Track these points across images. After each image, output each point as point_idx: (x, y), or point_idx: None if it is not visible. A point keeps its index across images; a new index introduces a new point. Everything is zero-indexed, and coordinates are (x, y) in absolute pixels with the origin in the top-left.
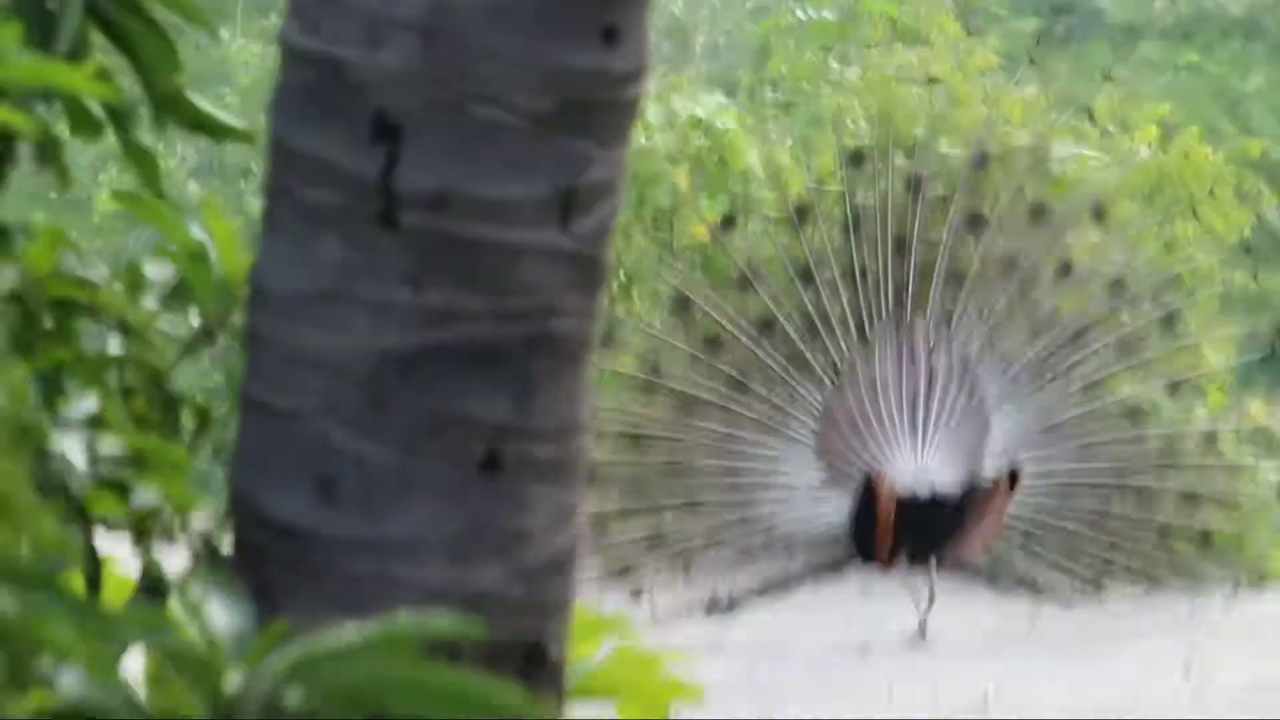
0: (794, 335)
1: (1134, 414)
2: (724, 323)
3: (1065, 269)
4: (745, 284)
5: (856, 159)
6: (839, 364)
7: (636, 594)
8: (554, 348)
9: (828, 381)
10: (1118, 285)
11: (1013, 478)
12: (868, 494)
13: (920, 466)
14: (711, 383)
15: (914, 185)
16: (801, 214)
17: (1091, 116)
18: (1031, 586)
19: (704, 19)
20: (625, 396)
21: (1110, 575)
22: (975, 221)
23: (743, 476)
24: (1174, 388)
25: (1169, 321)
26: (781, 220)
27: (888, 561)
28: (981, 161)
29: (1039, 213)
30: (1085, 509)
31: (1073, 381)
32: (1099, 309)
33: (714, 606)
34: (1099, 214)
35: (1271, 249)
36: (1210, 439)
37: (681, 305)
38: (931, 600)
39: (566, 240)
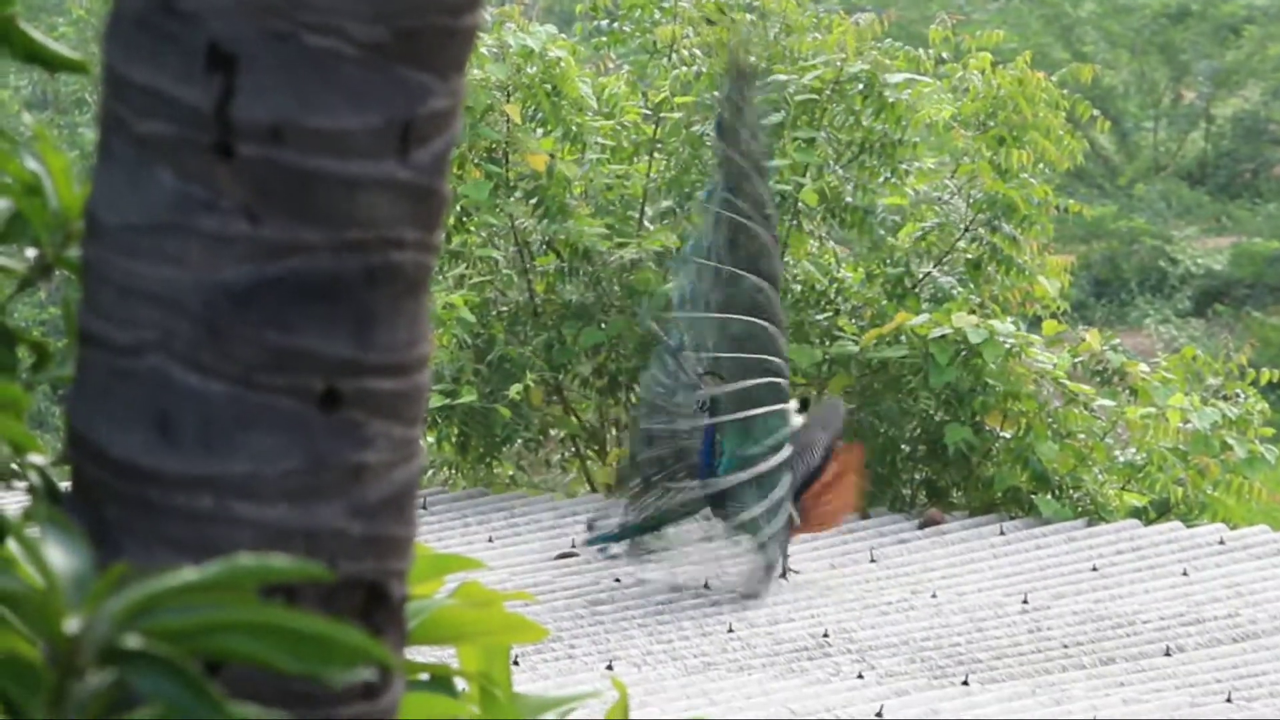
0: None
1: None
2: None
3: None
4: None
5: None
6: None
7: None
8: (393, 280)
9: None
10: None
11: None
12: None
13: None
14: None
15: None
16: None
17: (925, 43)
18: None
19: None
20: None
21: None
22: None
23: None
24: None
25: (1002, 249)
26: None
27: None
28: (739, 76)
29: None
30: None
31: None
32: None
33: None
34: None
35: (1105, 176)
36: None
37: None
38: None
39: (404, 171)
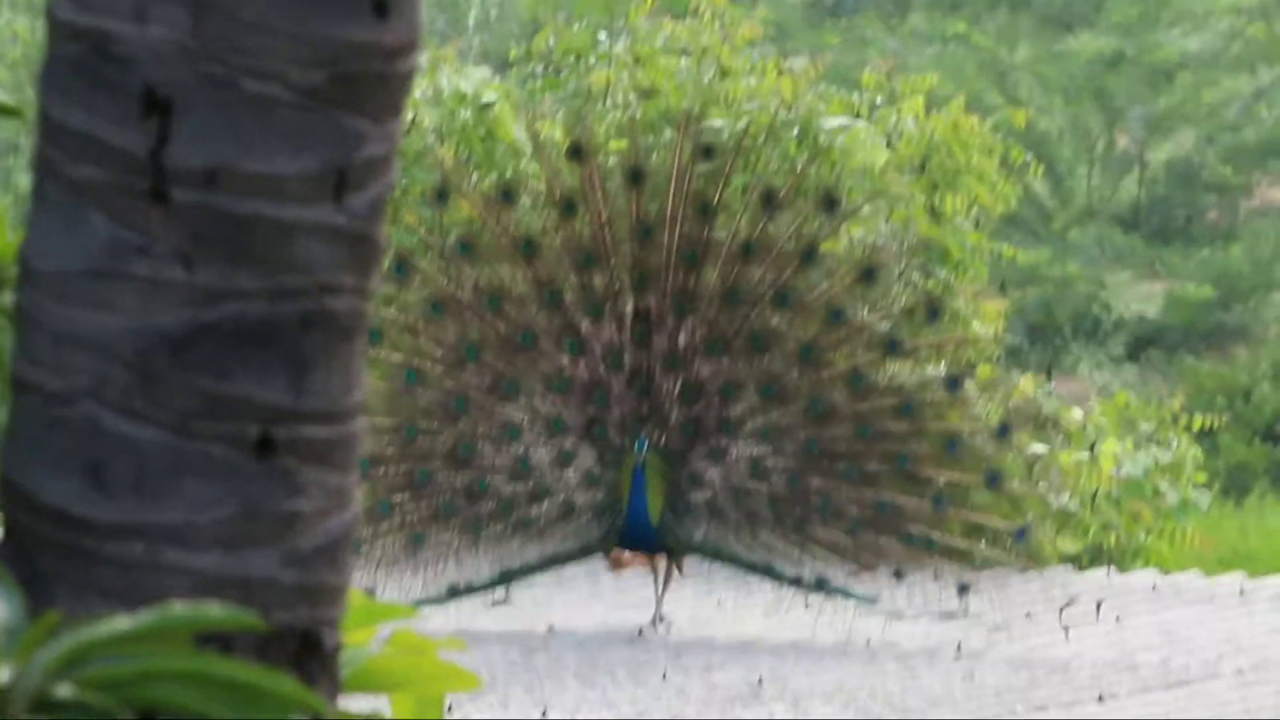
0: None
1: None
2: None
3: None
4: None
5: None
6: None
7: (455, 592)
8: (328, 327)
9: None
10: (876, 263)
11: None
12: None
13: None
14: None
15: (632, 174)
16: (569, 202)
17: (859, 88)
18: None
19: None
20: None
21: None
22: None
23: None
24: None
25: (934, 298)
26: (551, 199)
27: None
28: (708, 153)
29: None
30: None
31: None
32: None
33: (499, 598)
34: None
35: (1039, 221)
36: (974, 415)
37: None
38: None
39: (340, 217)
